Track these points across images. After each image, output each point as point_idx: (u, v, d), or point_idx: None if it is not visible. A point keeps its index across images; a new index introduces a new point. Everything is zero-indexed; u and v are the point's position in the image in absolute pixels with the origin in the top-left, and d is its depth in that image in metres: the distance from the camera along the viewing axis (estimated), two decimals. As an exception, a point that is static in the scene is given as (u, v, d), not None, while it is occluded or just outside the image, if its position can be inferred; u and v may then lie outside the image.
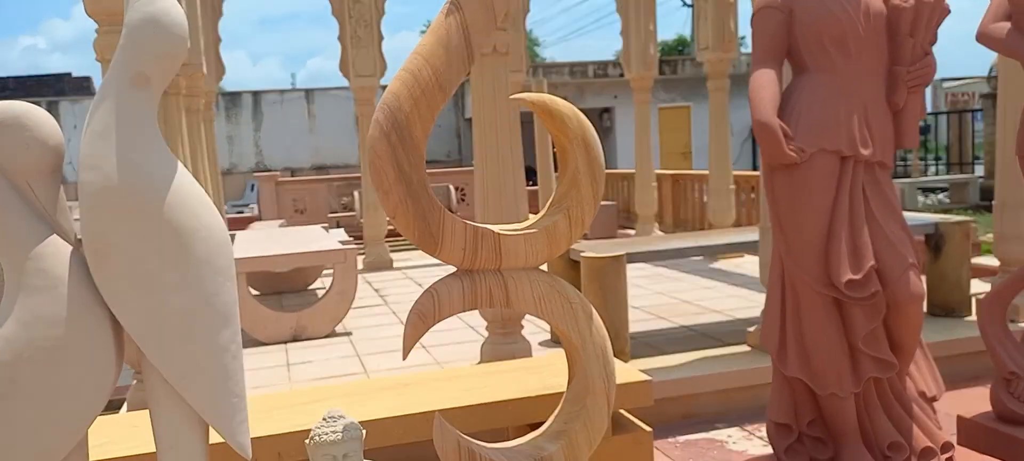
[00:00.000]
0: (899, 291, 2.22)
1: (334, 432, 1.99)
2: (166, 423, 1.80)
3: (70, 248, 1.75)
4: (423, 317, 2.01)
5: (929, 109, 14.23)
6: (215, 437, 1.86)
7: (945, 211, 11.26)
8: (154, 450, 2.23)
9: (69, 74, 23.52)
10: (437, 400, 2.66)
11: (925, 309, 4.72)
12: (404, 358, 2.05)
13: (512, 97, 2.23)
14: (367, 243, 8.41)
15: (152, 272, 1.71)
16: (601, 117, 19.78)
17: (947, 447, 2.37)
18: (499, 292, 2.05)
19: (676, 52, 25.61)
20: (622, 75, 16.63)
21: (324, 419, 2.03)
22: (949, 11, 2.24)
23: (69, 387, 1.69)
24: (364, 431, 2.06)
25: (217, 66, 7.39)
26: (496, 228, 2.06)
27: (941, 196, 13.46)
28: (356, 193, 11.93)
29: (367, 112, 7.98)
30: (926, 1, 2.19)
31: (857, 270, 2.21)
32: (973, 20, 2.72)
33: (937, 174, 15.57)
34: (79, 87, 22.73)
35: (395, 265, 8.41)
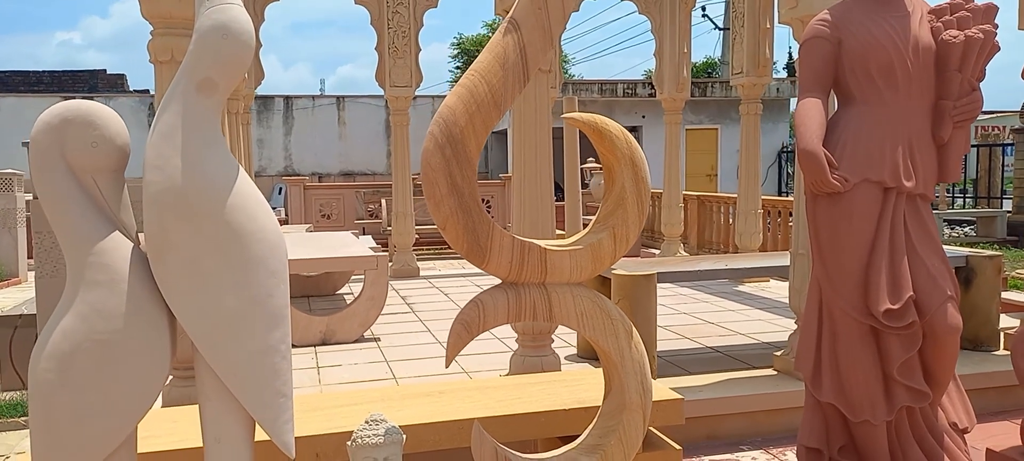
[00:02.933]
0: (937, 322, 2.23)
1: (376, 435, 2.04)
2: (214, 417, 1.87)
3: (131, 245, 1.82)
4: (468, 327, 2.05)
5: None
6: (258, 434, 1.92)
7: (971, 245, 11.12)
8: (197, 444, 2.30)
9: (103, 70, 23.97)
10: (470, 409, 2.70)
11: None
12: (447, 366, 2.10)
13: (565, 116, 2.27)
14: (395, 251, 8.48)
15: (210, 271, 1.78)
16: (627, 135, 19.76)
17: (980, 481, 2.37)
18: (543, 306, 2.09)
19: (704, 74, 25.58)
20: (651, 95, 16.63)
21: (366, 422, 2.08)
22: (999, 48, 2.25)
23: (124, 380, 1.76)
24: (404, 436, 2.11)
25: (256, 71, 7.53)
26: (543, 243, 2.11)
27: (967, 229, 13.30)
28: (384, 201, 12.03)
29: (401, 122, 8.08)
30: (976, 37, 2.21)
31: (895, 300, 2.22)
32: (1006, 53, 2.72)
33: (964, 207, 15.37)
34: (113, 84, 23.16)
35: (421, 274, 8.48)
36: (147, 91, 24.24)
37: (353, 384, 4.25)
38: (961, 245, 10.71)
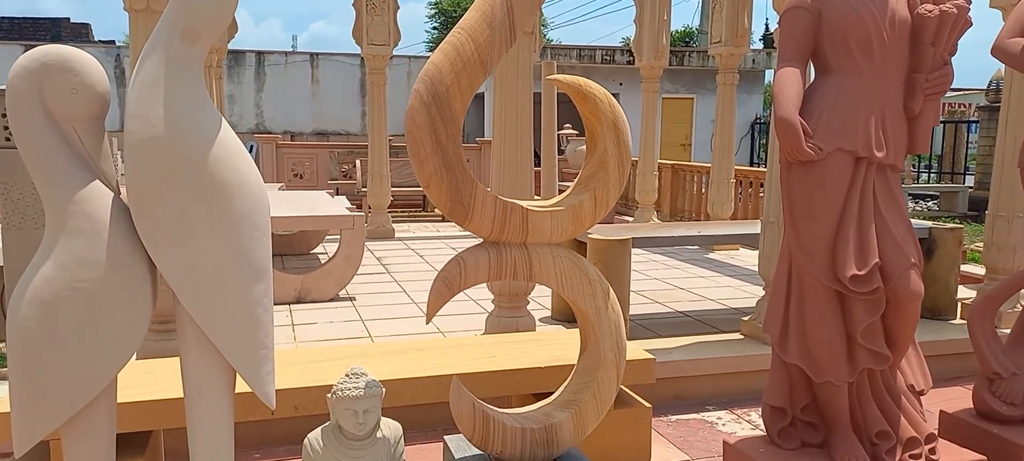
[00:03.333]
0: (900, 288, 2.31)
1: (357, 388, 2.07)
2: (196, 369, 1.88)
3: (112, 194, 1.81)
4: (449, 283, 2.08)
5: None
6: (239, 386, 1.94)
7: (934, 218, 11.39)
8: (176, 395, 2.31)
9: (67, 19, 23.26)
10: (447, 366, 2.74)
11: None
12: (428, 322, 2.14)
13: (549, 77, 2.29)
14: (370, 212, 8.46)
15: (193, 223, 1.78)
16: (603, 102, 19.78)
17: (931, 438, 2.48)
18: (523, 265, 2.13)
19: (682, 43, 25.59)
20: (630, 62, 16.61)
21: (347, 375, 2.11)
22: (971, 23, 2.31)
23: (105, 329, 1.77)
24: (383, 389, 2.14)
25: (230, 24, 7.38)
26: (525, 204, 2.14)
27: (931, 203, 13.60)
28: (358, 162, 11.94)
29: (378, 81, 7.99)
30: (949, 12, 2.26)
31: (862, 266, 2.30)
32: (975, 31, 2.78)
33: (929, 181, 15.70)
34: (77, 33, 22.50)
35: (396, 235, 8.47)
36: (113, 42, 23.59)
37: (329, 342, 4.27)
38: (924, 218, 10.97)
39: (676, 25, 27.46)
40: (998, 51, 2.75)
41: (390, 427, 2.19)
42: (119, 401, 2.40)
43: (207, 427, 1.90)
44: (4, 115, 4.33)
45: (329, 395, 2.12)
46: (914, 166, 16.05)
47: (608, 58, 18.36)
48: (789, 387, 2.54)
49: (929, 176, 16.37)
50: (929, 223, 5.06)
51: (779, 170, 2.47)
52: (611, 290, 2.24)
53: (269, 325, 1.92)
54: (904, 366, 2.59)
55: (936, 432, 2.54)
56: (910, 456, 2.46)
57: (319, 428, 2.15)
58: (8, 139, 4.38)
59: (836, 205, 2.33)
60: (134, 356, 3.73)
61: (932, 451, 2.49)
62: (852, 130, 2.31)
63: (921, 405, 2.60)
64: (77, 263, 1.74)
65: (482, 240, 2.16)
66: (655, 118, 8.75)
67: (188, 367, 1.89)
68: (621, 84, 18.58)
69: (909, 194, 13.74)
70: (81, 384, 1.76)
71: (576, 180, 2.25)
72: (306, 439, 2.13)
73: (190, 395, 1.90)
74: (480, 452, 2.30)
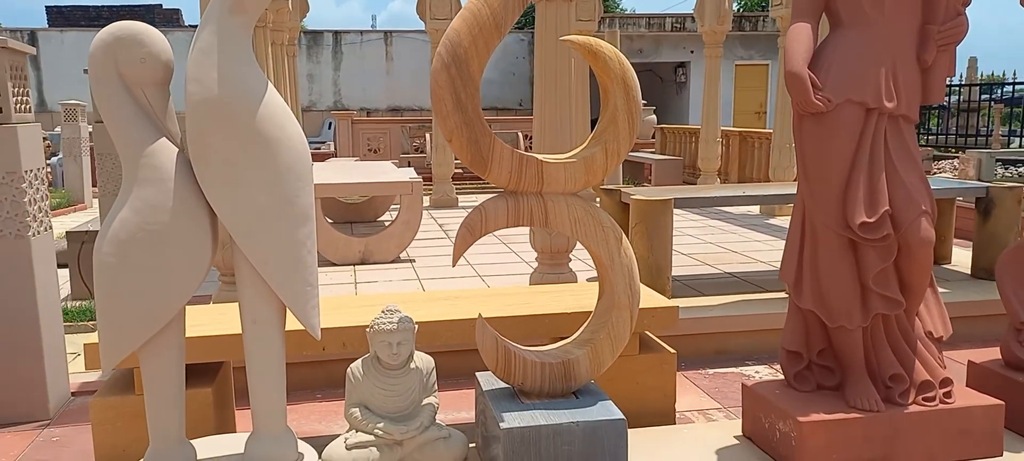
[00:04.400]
0: (910, 235, 2.38)
1: (390, 323, 2.32)
2: (250, 302, 2.17)
3: (176, 149, 2.10)
4: (471, 229, 2.30)
5: (1014, 78, 13.54)
6: (291, 323, 2.20)
7: (1025, 183, 10.83)
8: (238, 331, 2.62)
9: (160, 5, 24.59)
10: (483, 311, 2.96)
11: (971, 271, 4.79)
12: (453, 265, 2.37)
13: (561, 39, 2.45)
14: (434, 181, 8.77)
15: (243, 172, 2.06)
16: (676, 71, 19.54)
17: (946, 383, 2.54)
18: (539, 212, 2.33)
19: (758, 7, 24.84)
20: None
21: (383, 312, 2.37)
22: (982, -28, 2.33)
23: (172, 264, 2.07)
24: (416, 325, 2.39)
25: (301, 3, 7.77)
26: (540, 156, 2.33)
27: (1022, 169, 12.91)
28: (428, 135, 12.30)
29: (439, 54, 8.24)
30: (960, -38, 2.30)
31: (871, 214, 2.38)
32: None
33: (1022, 147, 14.86)
34: (169, 19, 23.79)
35: (460, 204, 8.77)
36: (202, 26, 24.78)
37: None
38: (1014, 183, 10.46)
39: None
40: (1026, -1, 2.73)
41: (423, 359, 2.43)
42: (193, 335, 2.75)
43: (261, 353, 2.18)
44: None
45: (367, 329, 2.38)
46: (1004, 133, 15.23)
47: (678, 26, 18.11)
48: (805, 332, 2.65)
49: (1021, 142, 15.51)
50: (987, 183, 4.94)
51: (792, 122, 2.56)
52: (624, 237, 2.40)
53: (313, 265, 2.18)
54: (923, 312, 2.65)
55: (951, 378, 2.59)
56: (924, 398, 2.53)
57: (360, 359, 2.42)
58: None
59: (846, 155, 2.41)
60: (210, 301, 4.12)
61: (947, 395, 2.55)
62: (862, 82, 2.38)
63: (940, 351, 2.65)
64: (148, 207, 2.04)
65: (500, 190, 2.36)
66: (718, 85, 8.70)
67: (244, 301, 2.18)
68: (692, 52, 18.31)
69: (998, 159, 13.10)
70: (153, 311, 2.07)
71: (591, 134, 2.41)
72: (349, 368, 2.40)
73: (246, 326, 2.19)
74: (506, 385, 2.52)
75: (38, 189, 3.33)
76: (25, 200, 3.20)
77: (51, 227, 3.44)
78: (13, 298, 3.23)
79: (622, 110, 2.33)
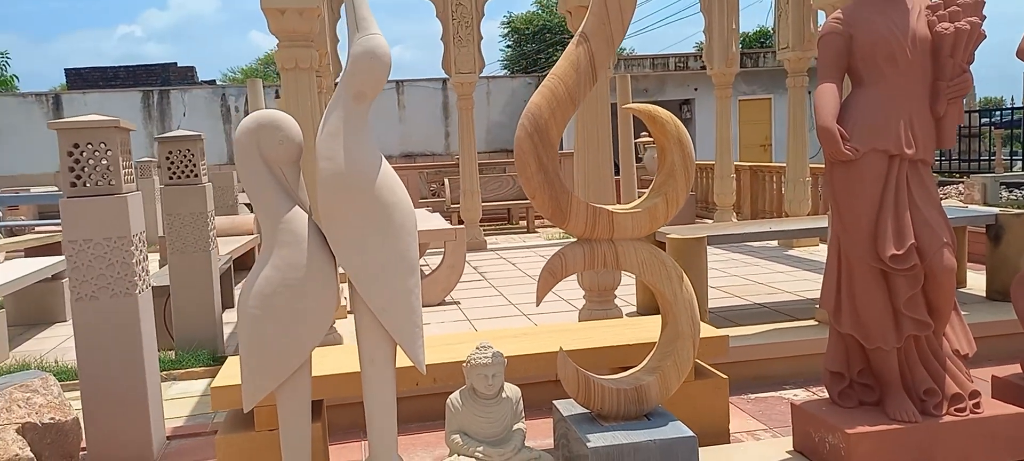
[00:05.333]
0: (934, 264, 2.73)
1: (485, 357, 2.67)
2: (368, 343, 2.52)
3: (307, 216, 2.47)
4: (553, 273, 2.66)
5: (1019, 104, 13.92)
6: (398, 361, 2.54)
7: (1029, 206, 11.18)
8: (340, 371, 2.97)
9: (174, 63, 25.26)
10: (553, 346, 3.30)
11: (985, 293, 5.11)
12: (537, 304, 2.71)
13: (624, 106, 2.83)
14: (462, 226, 9.15)
15: (365, 233, 2.43)
16: (681, 108, 20.03)
17: (974, 395, 2.86)
18: (611, 256, 2.68)
19: (757, 44, 25.47)
20: (703, 68, 16.90)
21: (477, 348, 2.71)
22: (985, 36, 2.72)
23: (307, 314, 2.43)
24: (506, 359, 2.73)
25: (335, 63, 8.23)
26: (610, 208, 2.69)
27: (1024, 191, 13.24)
28: (446, 180, 12.72)
29: (466, 106, 8.70)
30: (964, 29, 2.68)
31: (900, 246, 2.73)
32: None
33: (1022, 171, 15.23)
34: (184, 76, 24.41)
35: (488, 247, 9.13)
36: (214, 81, 25.50)
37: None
38: (1018, 207, 10.81)
39: (750, 26, 27.31)
40: (1022, 53, 3.11)
41: (512, 390, 2.77)
42: (315, 373, 3.07)
43: (379, 389, 2.52)
44: (169, 158, 5.20)
45: (464, 364, 2.72)
46: (1007, 156, 15.63)
47: (681, 65, 18.64)
48: (845, 354, 2.98)
49: (1023, 165, 15.91)
50: (996, 209, 5.29)
51: (825, 169, 2.93)
52: (684, 275, 2.76)
53: (419, 309, 2.53)
54: (949, 333, 2.98)
55: (979, 390, 2.91)
56: (955, 409, 2.85)
57: (457, 390, 2.75)
58: (171, 178, 5.25)
59: (874, 196, 2.77)
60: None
61: (976, 406, 2.87)
62: (884, 132, 2.75)
63: (966, 367, 2.98)
64: (287, 265, 2.41)
65: (576, 239, 2.72)
66: (730, 122, 9.11)
67: (363, 344, 2.53)
68: (696, 89, 18.82)
69: (1002, 183, 13.45)
70: (291, 354, 2.42)
71: (651, 186, 2.78)
72: (448, 399, 2.74)
73: (365, 365, 2.53)
74: (584, 411, 2.85)
75: (141, 251, 3.70)
76: (133, 261, 3.57)
77: (150, 285, 3.81)
78: (122, 350, 3.58)
79: (679, 166, 2.70)
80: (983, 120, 16.30)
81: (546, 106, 2.57)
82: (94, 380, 3.52)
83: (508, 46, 28.20)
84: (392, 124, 21.05)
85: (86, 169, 3.46)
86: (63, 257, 7.09)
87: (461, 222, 9.23)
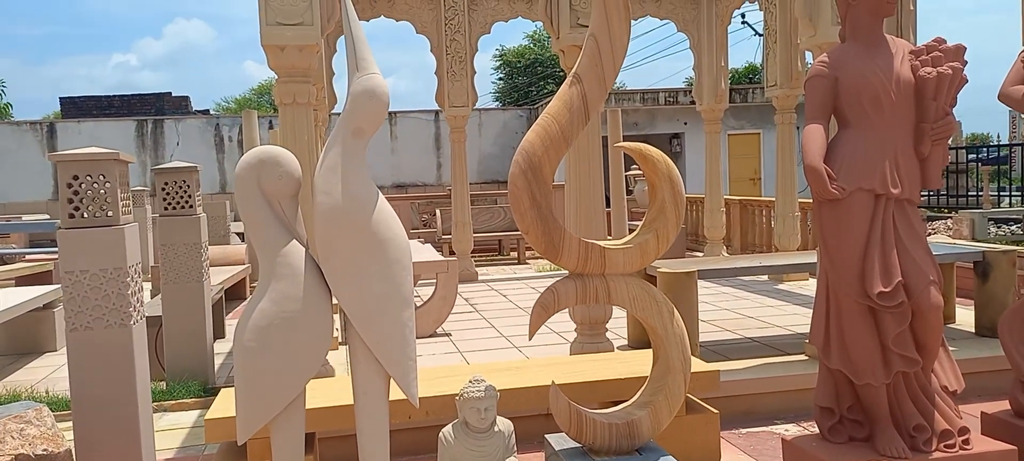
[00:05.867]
0: (921, 301, 2.78)
1: (478, 391, 2.69)
2: (362, 375, 2.54)
3: (305, 249, 2.51)
4: (545, 307, 2.69)
5: (1004, 140, 14.14)
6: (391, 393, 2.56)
7: (1016, 242, 11.31)
8: (331, 404, 2.97)
9: (169, 93, 25.34)
10: (544, 379, 3.33)
11: (974, 329, 5.16)
12: (530, 338, 2.74)
13: (616, 145, 2.89)
14: (453, 256, 9.19)
15: (361, 267, 2.46)
16: (670, 142, 20.23)
17: (963, 431, 2.89)
18: (603, 291, 2.72)
19: (746, 80, 25.82)
20: (692, 102, 17.12)
21: (470, 381, 2.73)
22: (966, 80, 2.80)
23: (302, 346, 2.45)
24: (499, 393, 2.75)
25: (330, 96, 8.32)
26: (602, 243, 2.74)
27: (1014, 227, 13.42)
28: (438, 211, 12.78)
29: (459, 138, 8.78)
30: (946, 74, 2.76)
31: (887, 284, 2.78)
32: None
33: (1011, 206, 15.45)
34: (178, 106, 24.49)
35: (479, 278, 9.15)
36: (208, 111, 25.58)
37: (434, 370, 4.92)
38: (1006, 243, 10.93)
39: (739, 62, 27.73)
40: (1004, 97, 3.20)
41: (504, 423, 2.78)
42: (309, 406, 3.08)
43: (372, 421, 2.53)
44: (165, 189, 5.23)
45: (457, 398, 2.74)
46: (994, 192, 15.84)
47: (671, 99, 18.87)
48: (835, 389, 3.01)
49: (1011, 200, 16.12)
50: (983, 246, 5.37)
51: (813, 207, 2.98)
52: (675, 310, 2.80)
53: (413, 342, 2.56)
54: (937, 369, 3.02)
55: (968, 427, 2.94)
56: (945, 446, 2.88)
57: (450, 424, 2.77)
58: (166, 209, 5.27)
59: (861, 234, 2.83)
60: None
61: (965, 442, 2.90)
62: (870, 172, 2.82)
63: (955, 403, 3.02)
64: (283, 298, 2.43)
65: (568, 272, 2.76)
66: (719, 157, 9.22)
67: (356, 374, 2.55)
68: (685, 123, 19.02)
69: (990, 219, 13.61)
70: (287, 386, 2.44)
71: (642, 222, 2.83)
72: (441, 433, 2.75)
73: (358, 397, 2.55)
74: (576, 445, 2.86)
75: (137, 282, 3.71)
76: (128, 292, 3.58)
77: (144, 317, 3.81)
78: (117, 382, 3.57)
79: (670, 203, 2.76)
80: (970, 156, 16.54)
81: (540, 144, 2.63)
82: (87, 411, 3.51)
83: (500, 78, 28.50)
84: (384, 155, 21.14)
85: (84, 200, 3.49)
86: (54, 286, 7.08)
87: (452, 253, 9.27)
